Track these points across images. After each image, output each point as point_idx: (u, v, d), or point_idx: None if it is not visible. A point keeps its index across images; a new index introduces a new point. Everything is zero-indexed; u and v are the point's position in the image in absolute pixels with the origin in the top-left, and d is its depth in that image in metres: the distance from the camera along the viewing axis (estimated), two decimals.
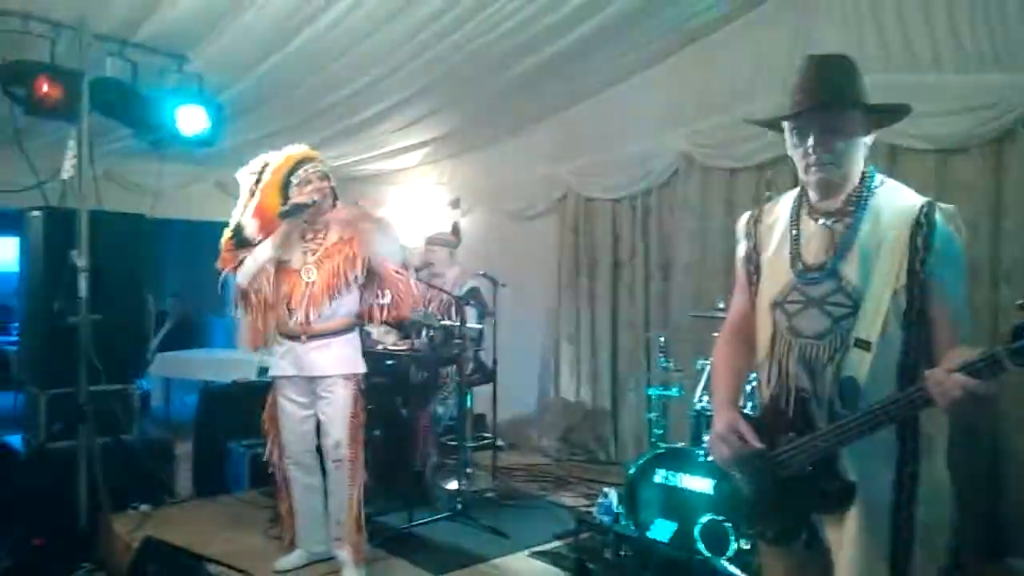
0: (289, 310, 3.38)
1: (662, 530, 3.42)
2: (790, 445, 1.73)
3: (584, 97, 5.76)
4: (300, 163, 3.46)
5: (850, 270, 1.69)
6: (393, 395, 4.62)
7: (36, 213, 4.12)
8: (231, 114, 4.67)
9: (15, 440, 4.33)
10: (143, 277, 4.47)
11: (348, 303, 3.45)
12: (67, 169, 3.75)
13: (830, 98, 1.71)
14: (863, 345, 1.64)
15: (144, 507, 4.17)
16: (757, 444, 1.76)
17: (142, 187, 5.87)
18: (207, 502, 4.47)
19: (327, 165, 3.55)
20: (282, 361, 3.42)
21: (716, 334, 3.78)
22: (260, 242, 3.44)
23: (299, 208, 3.34)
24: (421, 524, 4.02)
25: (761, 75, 4.62)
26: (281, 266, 3.42)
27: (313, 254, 3.43)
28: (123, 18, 3.76)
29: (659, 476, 3.51)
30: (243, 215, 3.53)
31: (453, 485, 4.56)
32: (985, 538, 3.65)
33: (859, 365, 1.65)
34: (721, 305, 3.89)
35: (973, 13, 3.72)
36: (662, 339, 4.42)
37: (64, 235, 3.80)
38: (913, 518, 1.64)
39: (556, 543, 3.86)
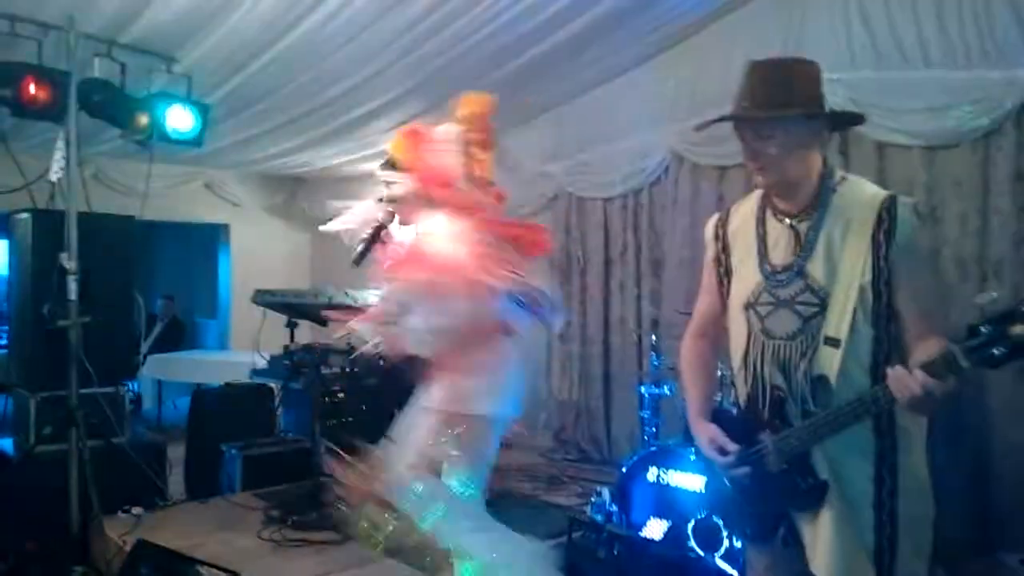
0: None
1: (655, 528, 3.43)
2: (765, 443, 1.76)
3: (575, 95, 5.77)
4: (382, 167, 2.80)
5: (816, 269, 1.70)
6: (387, 396, 4.61)
7: (24, 215, 4.09)
8: (220, 115, 4.66)
9: (6, 444, 4.30)
10: (133, 279, 4.44)
11: None
12: (55, 171, 3.73)
13: (752, 109, 1.72)
14: (832, 343, 1.66)
15: (136, 510, 4.14)
16: (732, 447, 1.80)
17: (131, 188, 5.87)
18: (200, 505, 4.45)
19: (400, 165, 2.76)
20: None
21: None
22: None
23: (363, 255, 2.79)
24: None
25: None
26: None
27: None
28: (111, 19, 3.75)
29: (652, 474, 3.52)
30: None
31: None
32: (974, 532, 3.68)
33: (830, 363, 1.66)
34: None
35: (961, 9, 3.74)
36: (654, 337, 4.43)
37: (53, 237, 3.78)
38: (896, 512, 1.66)
39: (549, 542, 3.86)
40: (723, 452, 1.82)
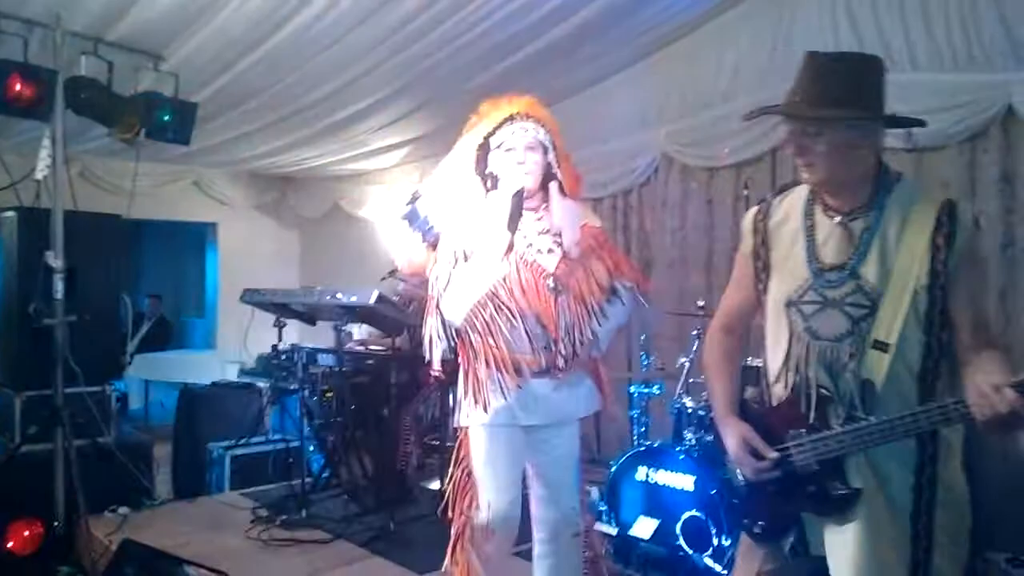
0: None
1: (644, 527, 3.43)
2: (799, 442, 1.70)
3: (565, 96, 5.76)
4: (511, 118, 2.40)
5: (869, 270, 1.65)
6: (375, 395, 4.61)
7: (9, 213, 4.06)
8: (208, 113, 4.64)
9: None
10: (120, 278, 4.41)
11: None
12: (41, 169, 3.70)
13: (804, 107, 1.65)
14: (881, 347, 1.61)
15: (122, 510, 4.12)
16: (772, 455, 1.73)
17: (118, 187, 5.84)
18: (186, 504, 4.44)
19: (545, 127, 2.46)
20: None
21: (696, 332, 3.84)
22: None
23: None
24: (403, 523, 4.01)
25: (741, 74, 4.66)
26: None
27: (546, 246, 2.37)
28: (98, 16, 3.73)
29: (640, 473, 3.52)
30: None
31: (435, 484, 4.55)
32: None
33: (876, 367, 1.62)
34: (701, 303, 3.92)
35: (947, 13, 3.77)
36: (643, 337, 4.44)
37: (38, 236, 3.75)
38: (933, 523, 1.62)
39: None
40: (755, 454, 1.74)
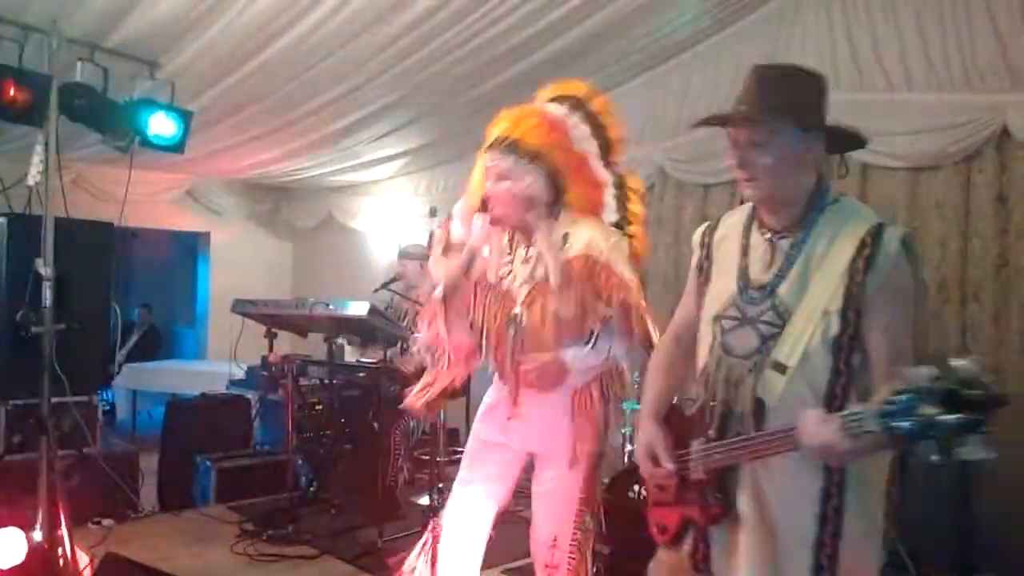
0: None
1: (637, 545, 3.40)
2: (694, 451, 1.74)
3: None
4: (490, 146, 2.37)
5: (786, 290, 1.62)
6: (365, 408, 4.57)
7: None
8: (203, 122, 4.62)
9: None
10: (110, 286, 4.38)
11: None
12: (33, 175, 3.67)
13: (753, 112, 1.63)
14: (778, 368, 1.58)
15: (106, 522, 4.07)
16: (669, 466, 1.78)
17: (111, 195, 5.79)
18: (172, 517, 4.38)
19: (529, 148, 2.31)
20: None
21: None
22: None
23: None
24: (392, 539, 3.97)
25: (737, 91, 4.66)
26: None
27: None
28: (94, 23, 3.72)
29: (632, 491, 3.49)
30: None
31: (425, 500, 4.51)
32: (955, 554, 3.68)
33: (772, 386, 1.59)
34: None
35: (944, 34, 3.79)
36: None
37: (29, 242, 3.71)
38: (837, 556, 1.58)
39: (529, 559, 3.81)
40: (655, 462, 1.80)
